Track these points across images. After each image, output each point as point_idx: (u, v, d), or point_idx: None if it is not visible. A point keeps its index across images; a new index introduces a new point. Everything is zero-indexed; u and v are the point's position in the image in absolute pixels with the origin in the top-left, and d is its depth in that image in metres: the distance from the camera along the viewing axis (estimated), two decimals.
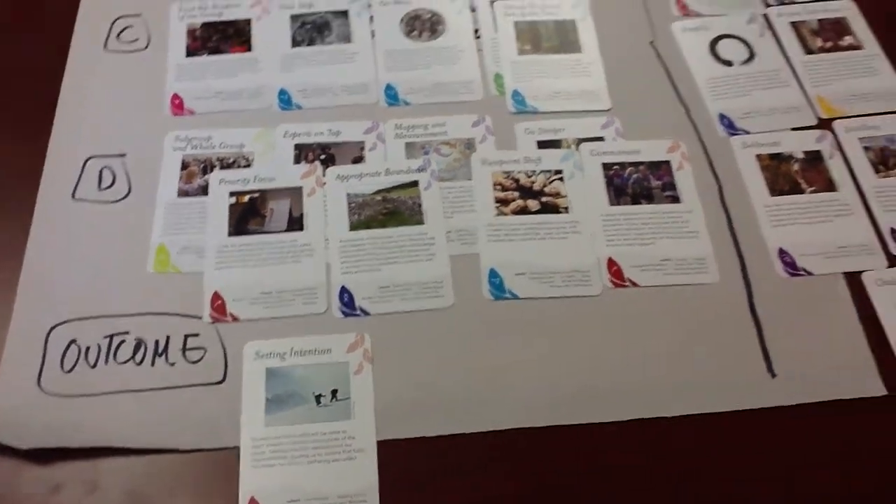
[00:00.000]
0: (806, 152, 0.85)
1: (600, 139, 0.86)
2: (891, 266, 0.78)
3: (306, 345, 0.73)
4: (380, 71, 0.91)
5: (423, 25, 0.95)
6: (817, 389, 0.71)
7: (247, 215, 0.80)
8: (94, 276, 0.76)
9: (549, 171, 0.83)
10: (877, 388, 0.71)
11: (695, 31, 0.95)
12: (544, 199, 0.82)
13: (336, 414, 0.69)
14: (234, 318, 0.74)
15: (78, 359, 0.71)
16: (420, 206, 0.81)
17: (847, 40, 0.94)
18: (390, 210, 0.81)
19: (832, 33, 0.95)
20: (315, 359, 0.72)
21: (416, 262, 0.78)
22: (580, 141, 0.86)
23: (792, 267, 0.78)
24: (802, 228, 0.80)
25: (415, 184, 0.82)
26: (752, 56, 0.93)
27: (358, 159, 0.84)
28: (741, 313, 0.75)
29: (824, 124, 0.87)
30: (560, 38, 0.94)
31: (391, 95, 0.89)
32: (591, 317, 0.75)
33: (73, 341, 0.72)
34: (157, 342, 0.72)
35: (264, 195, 0.81)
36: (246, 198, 0.81)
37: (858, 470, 0.68)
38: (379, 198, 0.82)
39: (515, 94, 0.89)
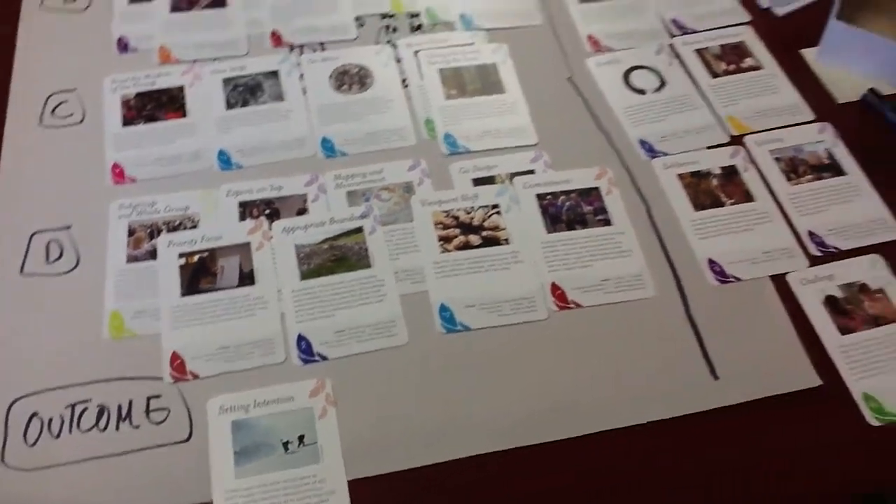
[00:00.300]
0: (722, 168, 0.91)
1: (531, 172, 0.90)
2: (812, 265, 0.84)
3: (269, 395, 0.74)
4: (314, 125, 0.94)
5: (352, 79, 0.99)
6: (758, 387, 0.75)
7: (198, 275, 0.82)
8: (50, 347, 0.76)
9: (486, 206, 0.87)
10: (812, 380, 0.76)
11: (608, 65, 1.01)
12: (485, 233, 0.85)
13: (305, 459, 0.71)
14: (195, 376, 0.75)
15: (41, 431, 0.71)
16: (366, 250, 0.84)
17: (748, 62, 1.01)
18: (338, 257, 0.83)
19: (734, 57, 1.02)
20: (279, 407, 0.74)
21: (368, 305, 0.80)
22: (513, 175, 0.90)
23: (722, 275, 0.83)
24: (727, 238, 0.85)
25: (359, 230, 0.85)
26: (663, 84, 0.99)
27: (302, 211, 0.87)
28: (680, 322, 0.80)
29: (736, 141, 0.94)
30: (483, 81, 0.99)
31: (328, 148, 0.92)
32: (541, 340, 0.78)
33: (34, 414, 0.72)
34: (119, 407, 0.73)
35: (213, 254, 0.83)
36: (195, 258, 0.83)
37: (803, 457, 0.72)
38: (326, 246, 0.84)
39: (447, 136, 0.93)
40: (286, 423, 0.73)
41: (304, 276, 0.82)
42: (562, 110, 0.96)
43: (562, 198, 0.88)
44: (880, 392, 0.75)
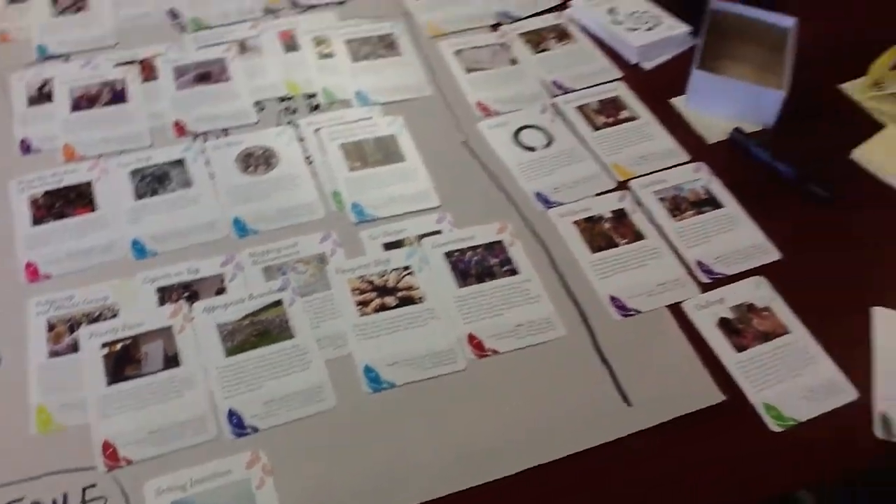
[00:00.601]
0: (613, 211, 0.98)
1: (438, 232, 0.95)
2: (703, 292, 0.91)
3: (205, 471, 0.75)
4: (225, 207, 0.97)
5: (257, 161, 1.03)
6: (669, 408, 0.81)
7: (122, 363, 0.83)
8: None
9: (399, 269, 0.92)
10: (716, 397, 0.82)
11: (498, 128, 1.08)
12: (400, 293, 0.90)
13: None
14: (129, 462, 0.76)
15: None
16: (287, 322, 0.87)
17: (624, 114, 1.10)
18: (260, 331, 0.86)
19: (611, 110, 1.10)
20: (217, 482, 0.75)
21: (294, 374, 0.83)
22: (421, 237, 0.95)
23: (623, 309, 0.89)
24: (625, 275, 0.92)
25: (279, 303, 0.88)
26: (550, 140, 1.06)
27: (221, 290, 0.89)
28: (591, 357, 0.85)
29: (622, 186, 1.01)
30: (384, 151, 1.04)
31: (240, 227, 0.95)
32: (464, 388, 0.82)
33: None
34: (54, 501, 0.73)
35: (136, 340, 0.84)
36: (118, 346, 0.84)
37: (716, 469, 0.78)
38: (247, 322, 0.86)
39: (354, 206, 0.98)
40: (226, 497, 0.74)
41: (229, 352, 0.84)
42: (460, 172, 1.02)
43: (468, 253, 0.93)
44: (778, 400, 0.82)
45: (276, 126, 1.07)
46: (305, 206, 0.98)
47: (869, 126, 1.09)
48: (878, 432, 0.80)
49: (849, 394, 0.83)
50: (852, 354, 0.86)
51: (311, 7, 1.25)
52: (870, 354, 0.86)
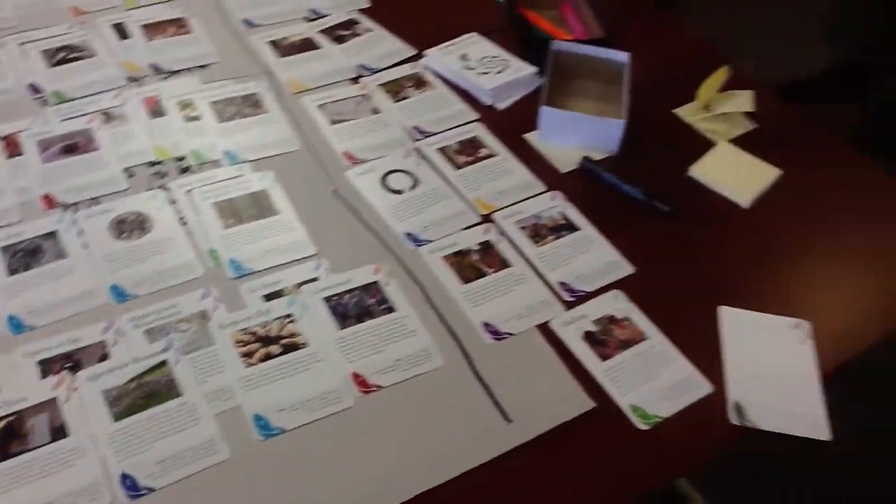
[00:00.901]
0: (479, 244, 1.05)
1: (315, 279, 0.99)
2: (568, 309, 0.98)
3: None
4: (101, 275, 0.98)
5: (131, 226, 1.04)
6: (546, 420, 0.87)
7: (7, 440, 0.82)
8: None
9: (280, 317, 0.95)
10: (587, 404, 0.89)
11: (366, 174, 1.13)
12: (283, 341, 0.93)
13: None
14: None
15: None
16: (174, 381, 0.88)
17: (483, 152, 1.17)
18: (147, 393, 0.87)
19: (471, 149, 1.18)
20: None
21: (185, 430, 0.84)
22: (300, 285, 0.98)
23: (496, 333, 0.95)
24: (495, 302, 0.98)
25: (164, 363, 0.90)
26: (416, 182, 1.12)
27: (104, 357, 0.90)
28: (470, 381, 0.90)
29: (486, 219, 1.08)
30: (257, 206, 1.08)
31: (118, 293, 0.97)
32: (353, 425, 0.86)
33: None
34: None
35: (20, 416, 0.84)
36: (1, 424, 0.83)
37: (595, 472, 0.84)
38: (133, 385, 0.88)
39: (232, 262, 1.01)
40: None
41: (117, 417, 0.85)
42: (333, 220, 1.07)
43: (346, 296, 0.98)
44: (643, 401, 0.89)
45: (148, 191, 1.09)
46: (183, 266, 1.00)
47: (702, 145, 1.21)
48: (733, 419, 0.88)
49: (705, 388, 0.91)
50: (705, 352, 0.94)
51: (175, 73, 1.28)
52: (720, 350, 0.95)
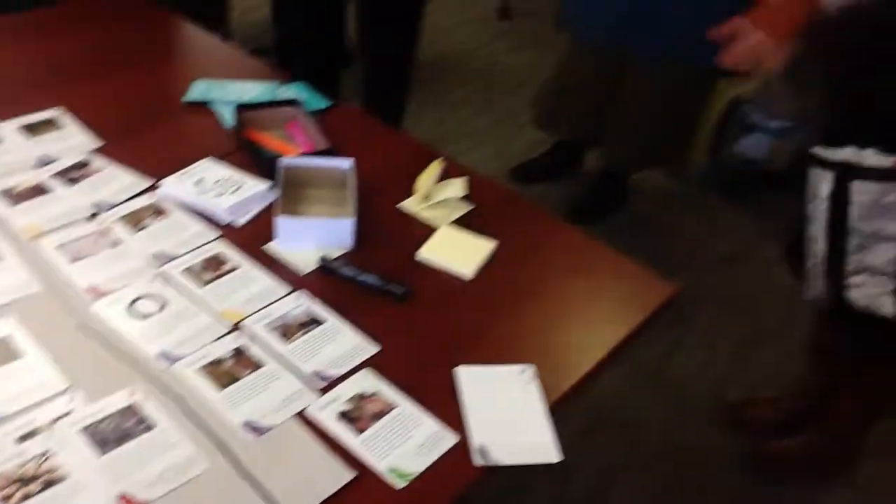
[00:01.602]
0: (232, 350, 1.11)
1: (70, 413, 1.00)
2: (323, 394, 1.06)
3: None
4: None
5: None
6: (313, 497, 0.93)
7: None
8: None
9: (37, 456, 0.95)
10: (345, 476, 0.96)
11: (113, 304, 1.16)
12: (42, 478, 0.93)
13: None
14: None
15: None
16: None
17: (227, 266, 1.24)
18: None
19: (215, 265, 1.24)
20: None
21: None
22: (55, 421, 0.99)
23: (257, 430, 1.01)
24: (253, 402, 1.04)
25: None
26: (164, 304, 1.17)
27: None
28: (237, 480, 0.95)
29: (236, 327, 1.15)
30: (1, 354, 1.07)
31: None
32: None
33: None
34: None
35: None
36: None
37: None
38: None
39: None
40: None
41: None
42: (83, 352, 1.09)
43: (104, 423, 1.00)
44: (398, 462, 0.98)
45: None
46: None
47: (426, 231, 1.35)
48: (478, 461, 0.99)
49: (452, 439, 1.02)
50: (449, 408, 1.06)
51: None
52: (460, 405, 1.06)
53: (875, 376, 1.76)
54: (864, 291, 1.50)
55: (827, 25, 1.44)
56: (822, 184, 1.48)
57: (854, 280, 1.50)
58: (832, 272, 1.53)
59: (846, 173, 1.44)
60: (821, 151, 1.48)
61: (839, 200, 1.46)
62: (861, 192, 1.43)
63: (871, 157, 1.40)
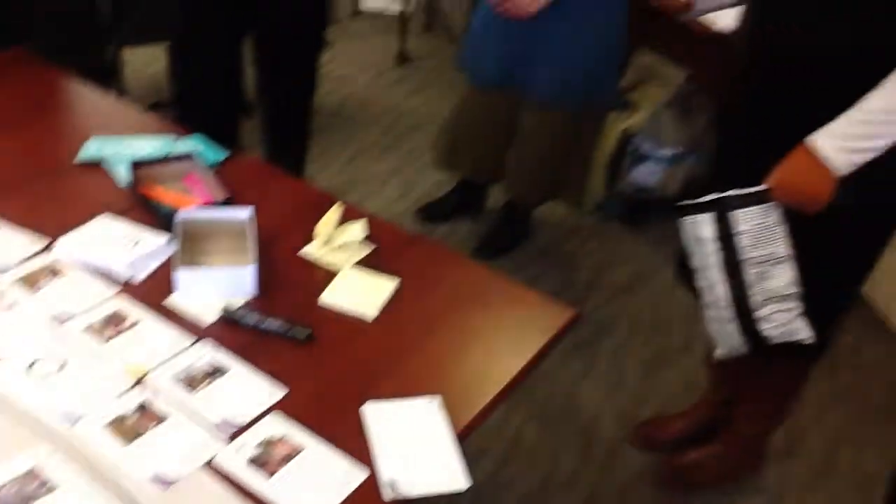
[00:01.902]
0: (137, 405, 1.10)
1: None
2: (231, 441, 1.06)
3: None
4: None
5: None
6: None
7: None
8: None
9: None
10: None
11: (10, 368, 1.14)
12: None
13: None
14: None
15: None
16: None
17: (127, 323, 1.24)
18: None
19: (116, 321, 1.23)
20: None
21: None
22: None
23: (165, 482, 1.01)
24: (159, 454, 1.04)
25: None
26: (64, 363, 1.16)
27: None
28: None
29: (140, 381, 1.14)
30: None
31: None
32: None
33: None
34: None
35: None
36: None
37: None
38: None
39: None
40: None
41: None
42: None
43: (5, 489, 0.98)
44: (308, 502, 1.00)
45: None
46: None
47: (329, 274, 1.37)
48: (388, 495, 1.01)
49: (362, 475, 1.04)
50: (358, 445, 1.08)
51: None
52: (368, 441, 1.08)
53: (773, 378, 1.84)
54: (776, 322, 1.50)
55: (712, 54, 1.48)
56: (703, 227, 1.49)
57: (762, 313, 1.50)
58: (740, 314, 1.52)
59: (724, 208, 1.46)
60: (689, 202, 1.50)
61: (725, 235, 1.47)
62: (745, 219, 1.43)
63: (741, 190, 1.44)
